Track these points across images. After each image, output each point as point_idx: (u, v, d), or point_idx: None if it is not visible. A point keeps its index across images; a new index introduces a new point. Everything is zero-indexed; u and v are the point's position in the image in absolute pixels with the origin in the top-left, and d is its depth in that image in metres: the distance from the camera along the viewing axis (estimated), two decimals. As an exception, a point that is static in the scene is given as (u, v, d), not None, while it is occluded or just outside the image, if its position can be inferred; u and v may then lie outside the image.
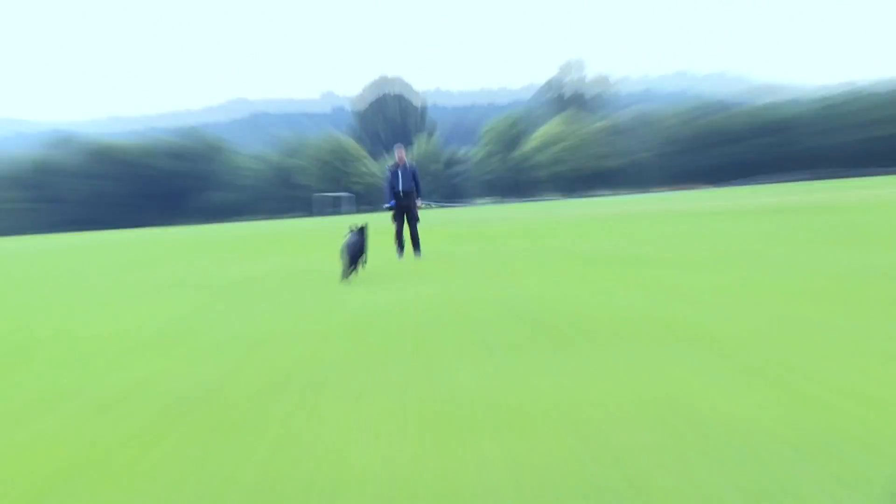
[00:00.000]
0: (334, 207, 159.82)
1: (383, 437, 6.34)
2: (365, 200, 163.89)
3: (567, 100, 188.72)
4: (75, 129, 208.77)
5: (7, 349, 10.54)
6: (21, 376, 8.77)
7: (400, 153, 23.22)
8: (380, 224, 23.71)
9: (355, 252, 17.27)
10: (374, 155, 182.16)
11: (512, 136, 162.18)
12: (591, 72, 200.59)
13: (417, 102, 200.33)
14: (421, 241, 22.71)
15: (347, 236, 17.75)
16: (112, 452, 6.41)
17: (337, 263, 21.30)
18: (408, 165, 23.02)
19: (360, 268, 17.60)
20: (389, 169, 23.30)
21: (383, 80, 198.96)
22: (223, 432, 6.63)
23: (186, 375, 8.29)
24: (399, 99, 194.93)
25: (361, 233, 17.77)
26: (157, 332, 11.12)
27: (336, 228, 53.45)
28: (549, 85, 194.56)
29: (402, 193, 22.81)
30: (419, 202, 23.35)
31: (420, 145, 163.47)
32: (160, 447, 6.45)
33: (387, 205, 22.94)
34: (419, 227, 22.79)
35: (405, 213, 22.89)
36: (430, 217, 66.11)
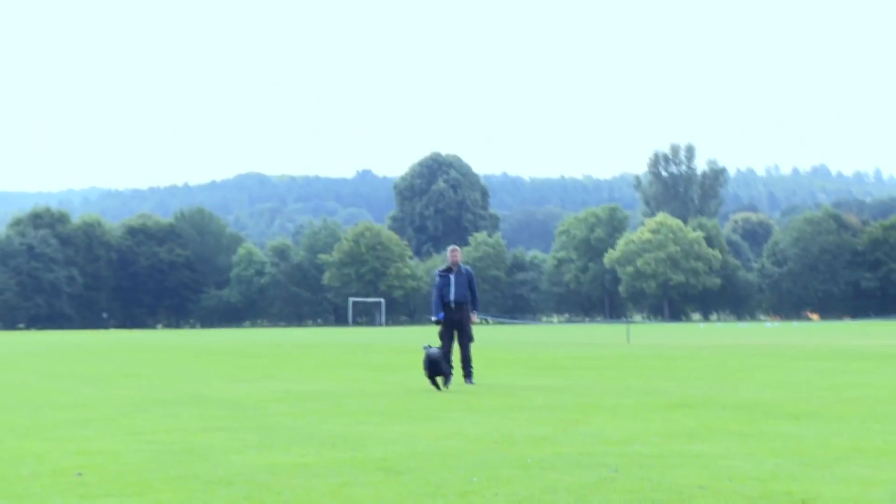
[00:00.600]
0: (367, 317, 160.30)
1: None
2: (403, 309, 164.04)
3: (668, 195, 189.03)
4: (45, 201, 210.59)
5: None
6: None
7: (454, 256, 23.57)
8: (428, 340, 24.52)
9: (439, 361, 20.73)
10: (419, 252, 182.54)
11: (595, 239, 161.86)
12: (702, 162, 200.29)
13: (478, 189, 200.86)
14: (474, 365, 22.95)
15: (428, 350, 20.95)
16: None
17: (371, 387, 21.71)
18: (462, 270, 23.36)
19: (448, 379, 21.06)
20: (440, 274, 23.58)
21: (435, 159, 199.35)
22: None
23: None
24: (454, 183, 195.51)
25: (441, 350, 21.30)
26: (141, 461, 11.45)
27: (371, 343, 53.81)
28: (647, 176, 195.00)
29: (453, 304, 22.96)
30: (474, 316, 23.54)
31: (478, 243, 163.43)
32: None
33: (434, 318, 23.14)
34: (472, 347, 23.07)
35: (456, 329, 23.13)
36: (486, 336, 66.37)
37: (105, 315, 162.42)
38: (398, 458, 11.35)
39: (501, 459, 11.18)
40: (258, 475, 10.36)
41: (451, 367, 22.69)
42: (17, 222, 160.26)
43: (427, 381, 20.98)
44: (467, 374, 22.59)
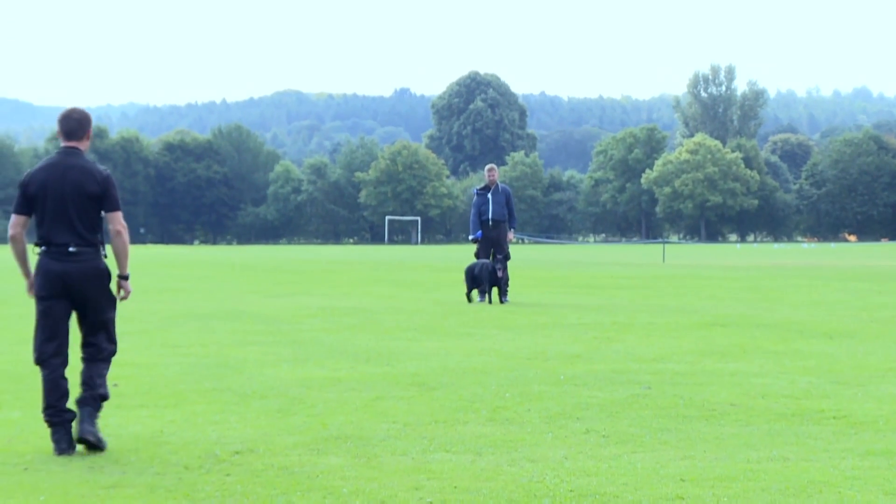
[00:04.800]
0: (403, 235, 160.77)
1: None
2: (440, 228, 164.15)
3: (707, 116, 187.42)
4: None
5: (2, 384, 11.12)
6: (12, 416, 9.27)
7: (492, 175, 23.58)
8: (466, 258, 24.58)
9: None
10: (456, 171, 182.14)
11: (632, 159, 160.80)
12: (742, 83, 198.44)
13: (516, 109, 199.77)
14: (509, 284, 22.92)
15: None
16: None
17: (405, 304, 21.77)
18: (500, 188, 23.36)
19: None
20: (478, 192, 23.65)
21: (473, 78, 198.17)
22: (266, 487, 6.85)
23: (211, 430, 8.52)
24: (493, 102, 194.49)
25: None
26: (176, 374, 11.60)
27: (406, 261, 53.90)
28: (687, 97, 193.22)
29: (491, 222, 23.04)
30: (511, 234, 23.60)
31: (515, 163, 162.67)
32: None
33: (472, 236, 23.23)
34: (508, 265, 23.02)
35: (493, 246, 23.13)
36: (521, 255, 66.40)
37: (142, 230, 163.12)
38: (431, 374, 11.42)
39: (534, 376, 11.24)
40: (291, 388, 10.46)
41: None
42: (55, 137, 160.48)
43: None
44: (503, 291, 22.61)
